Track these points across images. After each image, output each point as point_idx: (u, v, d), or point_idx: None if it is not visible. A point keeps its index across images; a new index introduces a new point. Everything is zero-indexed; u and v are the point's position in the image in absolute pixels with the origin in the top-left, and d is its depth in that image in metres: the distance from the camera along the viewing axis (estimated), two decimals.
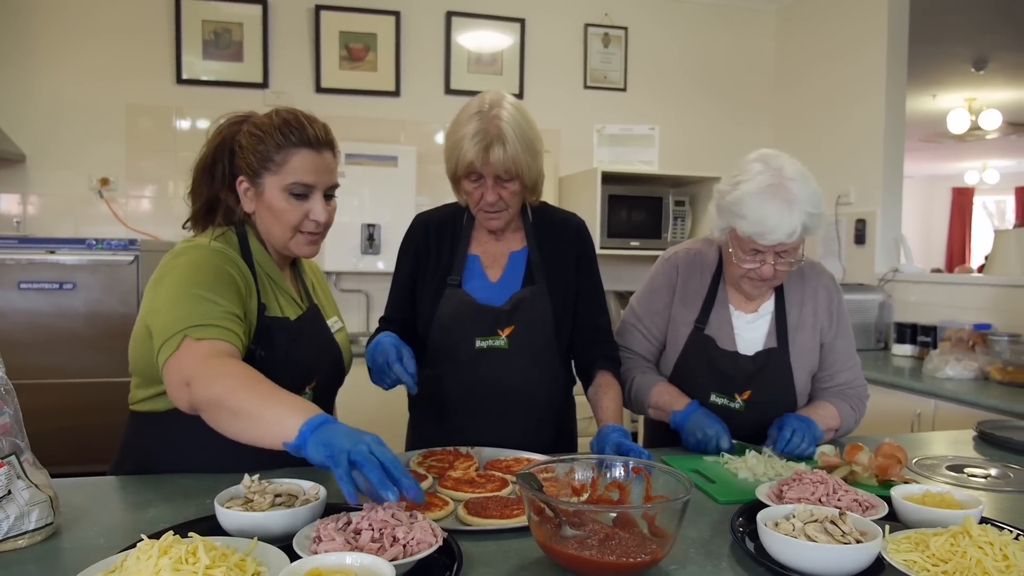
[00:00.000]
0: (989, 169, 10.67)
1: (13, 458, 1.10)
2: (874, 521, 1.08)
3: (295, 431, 1.07)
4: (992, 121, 6.97)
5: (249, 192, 1.45)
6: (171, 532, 0.91)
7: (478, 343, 1.69)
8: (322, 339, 1.56)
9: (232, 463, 1.30)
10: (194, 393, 1.20)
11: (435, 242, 1.77)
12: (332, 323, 1.63)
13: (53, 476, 1.18)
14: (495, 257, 1.77)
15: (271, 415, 1.12)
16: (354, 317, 4.08)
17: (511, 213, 1.70)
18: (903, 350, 3.55)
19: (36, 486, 1.11)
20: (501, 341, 1.69)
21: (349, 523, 1.02)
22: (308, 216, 1.45)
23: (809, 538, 1.01)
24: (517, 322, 1.69)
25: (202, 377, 1.19)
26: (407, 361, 1.50)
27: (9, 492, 1.07)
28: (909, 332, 3.54)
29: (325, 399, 1.60)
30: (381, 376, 1.53)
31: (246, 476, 1.16)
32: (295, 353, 1.47)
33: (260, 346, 1.41)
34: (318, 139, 1.43)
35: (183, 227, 1.53)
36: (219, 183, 1.47)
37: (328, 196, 1.48)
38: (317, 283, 1.69)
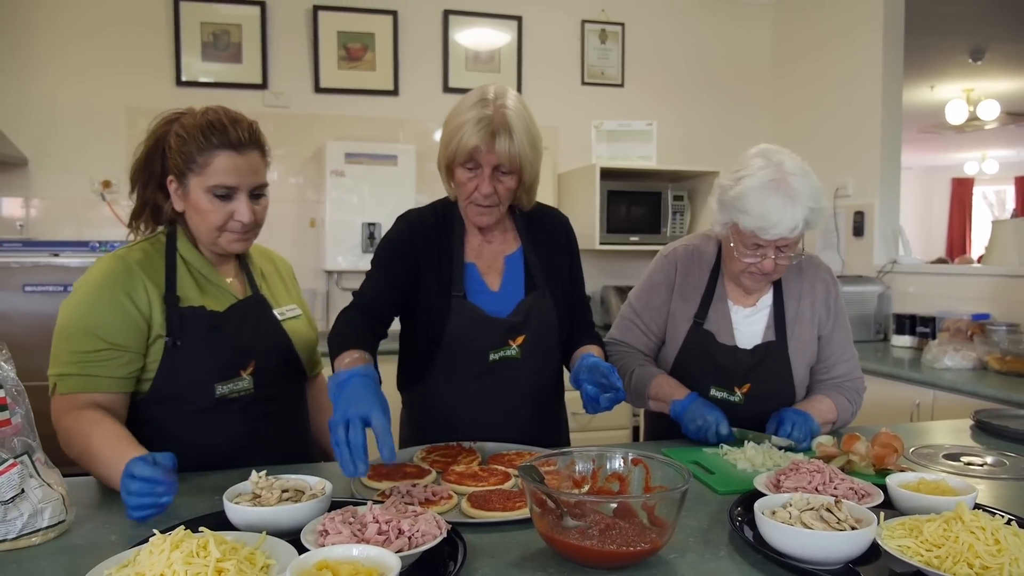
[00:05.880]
0: (988, 159, 10.66)
1: (26, 457, 1.12)
2: (870, 508, 1.10)
3: (119, 472, 1.19)
4: (990, 111, 6.98)
5: (179, 191, 1.49)
6: (182, 527, 0.94)
7: (491, 356, 1.66)
8: (262, 326, 1.58)
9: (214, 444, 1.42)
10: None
11: (427, 247, 1.69)
12: (284, 311, 1.65)
13: None
14: (490, 263, 1.72)
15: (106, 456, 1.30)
16: None
17: (501, 211, 1.66)
18: (902, 341, 3.56)
19: (48, 484, 1.13)
20: (513, 351, 1.66)
21: (355, 516, 1.04)
22: (233, 216, 1.48)
23: (805, 525, 1.03)
24: (528, 331, 1.67)
25: (61, 435, 1.38)
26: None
27: (22, 491, 1.09)
28: (908, 323, 3.56)
29: (275, 383, 1.57)
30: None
31: (253, 472, 1.19)
32: (218, 340, 1.49)
33: (173, 336, 1.45)
34: (240, 140, 1.45)
35: (128, 228, 1.58)
36: (154, 183, 1.52)
37: (256, 196, 1.51)
38: (271, 273, 1.71)
